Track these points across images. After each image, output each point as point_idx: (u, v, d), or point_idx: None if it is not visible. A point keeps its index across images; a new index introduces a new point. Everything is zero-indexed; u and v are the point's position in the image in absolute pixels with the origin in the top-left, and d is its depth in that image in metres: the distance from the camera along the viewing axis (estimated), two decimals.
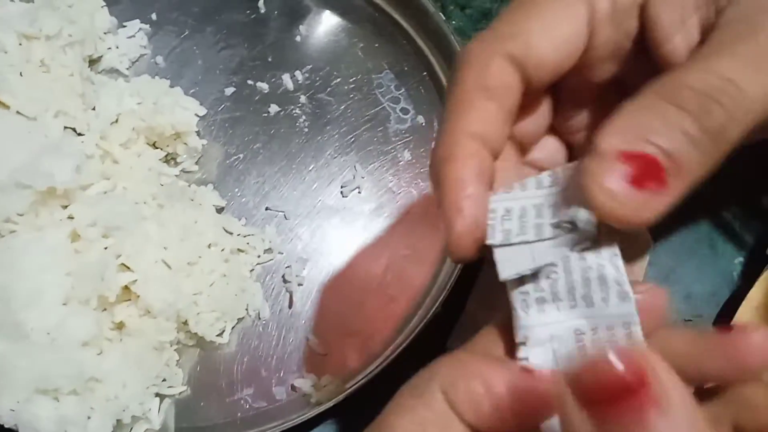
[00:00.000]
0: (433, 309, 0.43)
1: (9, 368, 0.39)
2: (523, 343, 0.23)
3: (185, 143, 0.49)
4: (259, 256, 0.48)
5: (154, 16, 0.55)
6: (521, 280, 0.23)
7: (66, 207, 0.43)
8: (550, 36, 0.25)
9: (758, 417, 0.22)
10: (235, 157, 0.51)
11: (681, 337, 0.23)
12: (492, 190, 0.26)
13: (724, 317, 0.44)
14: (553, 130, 0.32)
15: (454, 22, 0.57)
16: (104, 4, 0.54)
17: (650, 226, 0.45)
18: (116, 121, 0.48)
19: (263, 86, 0.53)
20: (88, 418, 0.40)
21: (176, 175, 0.49)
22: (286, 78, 0.53)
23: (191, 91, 0.53)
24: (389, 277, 0.47)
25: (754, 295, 0.43)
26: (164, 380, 0.44)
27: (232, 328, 0.46)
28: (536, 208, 0.24)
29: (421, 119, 0.52)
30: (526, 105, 0.28)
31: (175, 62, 0.54)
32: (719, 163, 0.22)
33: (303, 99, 0.53)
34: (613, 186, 0.20)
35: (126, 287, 0.42)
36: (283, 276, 0.48)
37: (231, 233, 0.48)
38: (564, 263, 0.23)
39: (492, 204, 0.25)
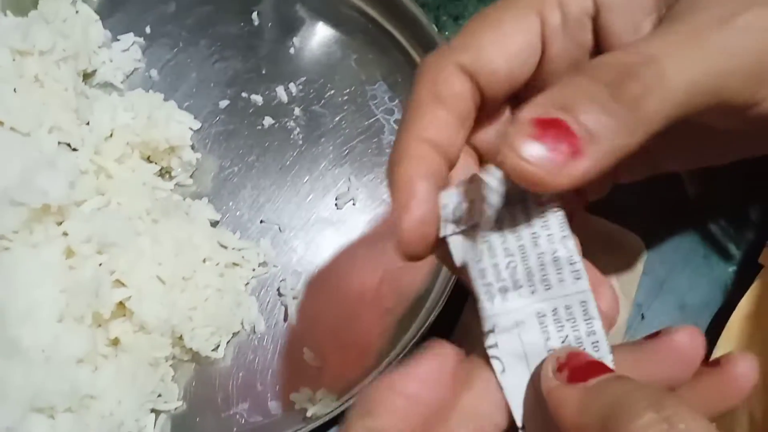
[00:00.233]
0: (429, 321, 0.43)
1: (4, 386, 0.39)
2: (491, 331, 0.24)
3: (180, 157, 0.49)
4: (254, 270, 0.48)
5: (148, 30, 0.55)
6: (483, 273, 0.24)
7: (60, 223, 0.43)
8: (502, 48, 0.26)
9: None
10: (230, 170, 0.51)
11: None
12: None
13: (717, 326, 0.44)
14: None
15: (447, 33, 0.57)
16: (98, 17, 0.54)
17: (643, 235, 0.45)
18: (110, 135, 0.48)
19: (257, 99, 0.53)
20: None
21: (171, 189, 0.49)
22: (280, 90, 0.53)
23: (185, 104, 0.53)
24: (384, 289, 0.47)
25: (744, 304, 0.44)
26: (160, 396, 0.44)
27: (228, 342, 0.46)
28: (485, 196, 0.24)
29: None
30: (486, 116, 0.29)
31: (170, 75, 0.54)
32: (645, 138, 0.23)
33: (297, 111, 0.53)
34: (524, 147, 0.21)
35: (120, 303, 0.42)
36: (278, 289, 0.48)
37: (226, 247, 0.48)
38: (521, 252, 0.24)
39: (444, 199, 0.25)
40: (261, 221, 0.50)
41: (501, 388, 0.24)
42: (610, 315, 0.25)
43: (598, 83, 0.22)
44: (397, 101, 0.53)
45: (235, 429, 0.44)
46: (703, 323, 0.47)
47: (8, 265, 0.41)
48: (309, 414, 0.44)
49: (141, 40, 0.55)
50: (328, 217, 0.50)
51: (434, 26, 0.52)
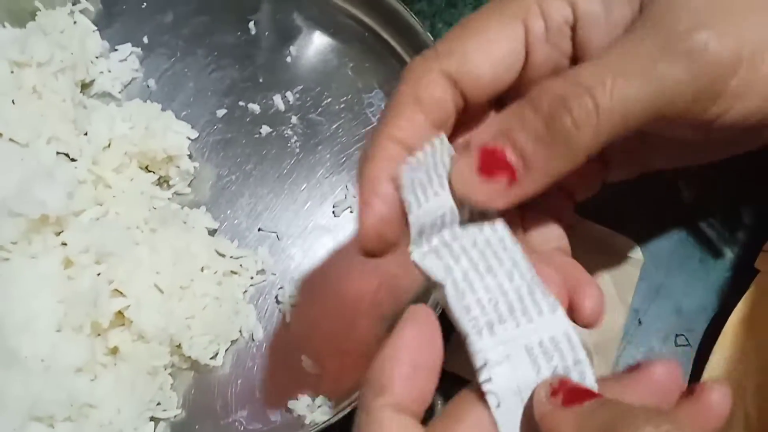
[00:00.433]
0: None
1: (3, 395, 0.39)
2: (484, 366, 0.24)
3: (177, 166, 0.50)
4: (252, 278, 0.48)
5: (145, 40, 0.56)
6: (468, 309, 0.25)
7: (59, 234, 0.43)
8: (486, 54, 0.26)
9: None
10: (228, 179, 0.52)
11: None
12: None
13: (714, 331, 0.45)
14: None
15: None
16: (95, 28, 0.55)
17: (639, 241, 0.45)
18: (108, 145, 0.48)
19: (254, 107, 0.54)
20: None
21: (169, 198, 0.50)
22: (277, 99, 0.54)
23: (183, 113, 0.53)
24: (381, 295, 0.48)
25: (741, 309, 0.44)
26: (159, 404, 0.44)
27: (226, 350, 0.46)
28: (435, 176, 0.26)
29: None
30: (470, 117, 0.29)
31: (167, 85, 0.55)
32: (584, 160, 0.24)
33: (294, 119, 0.53)
34: (463, 172, 0.24)
35: (119, 312, 0.42)
36: (276, 297, 0.48)
37: (224, 255, 0.48)
38: (499, 288, 0.25)
39: (404, 174, 0.26)
40: (259, 229, 0.50)
41: (495, 423, 0.24)
42: (596, 313, 0.26)
43: (536, 114, 0.23)
44: None
45: None
46: (699, 328, 0.47)
47: (7, 276, 0.41)
48: (308, 421, 0.44)
49: (138, 50, 0.55)
50: (326, 225, 0.50)
51: (429, 34, 0.52)
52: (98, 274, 0.43)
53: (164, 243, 0.45)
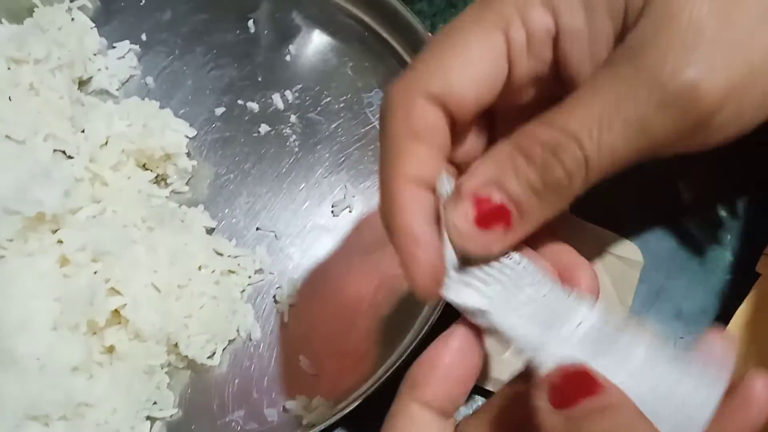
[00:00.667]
0: (425, 329, 0.43)
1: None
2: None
3: (175, 164, 0.49)
4: (249, 277, 0.48)
5: (143, 37, 0.55)
6: (515, 327, 0.25)
7: (55, 232, 0.43)
8: (469, 72, 0.25)
9: None
10: (226, 178, 0.51)
11: None
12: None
13: None
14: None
15: None
16: (93, 25, 0.54)
17: (639, 243, 0.45)
18: (106, 143, 0.48)
19: (253, 106, 0.53)
20: None
21: (166, 197, 0.49)
22: (276, 98, 0.54)
23: (181, 111, 0.53)
24: (380, 296, 0.47)
25: (742, 312, 0.44)
26: (155, 403, 0.44)
27: (223, 349, 0.46)
28: None
29: None
30: (459, 133, 0.29)
31: (165, 83, 0.54)
32: (566, 207, 0.25)
33: (293, 118, 0.53)
34: (461, 225, 0.24)
35: (116, 311, 0.42)
36: (274, 296, 0.48)
37: (221, 254, 0.48)
38: (533, 302, 0.26)
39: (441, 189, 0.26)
40: (257, 228, 0.50)
41: None
42: (591, 292, 0.27)
43: (531, 166, 0.23)
44: None
45: None
46: (700, 331, 0.47)
47: (3, 274, 0.41)
48: (305, 422, 0.43)
49: (137, 47, 0.55)
50: (324, 225, 0.50)
51: (430, 34, 0.52)
52: (95, 273, 0.42)
53: (161, 242, 0.45)
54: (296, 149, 0.52)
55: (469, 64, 0.25)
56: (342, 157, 0.52)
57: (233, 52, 0.55)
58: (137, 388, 0.42)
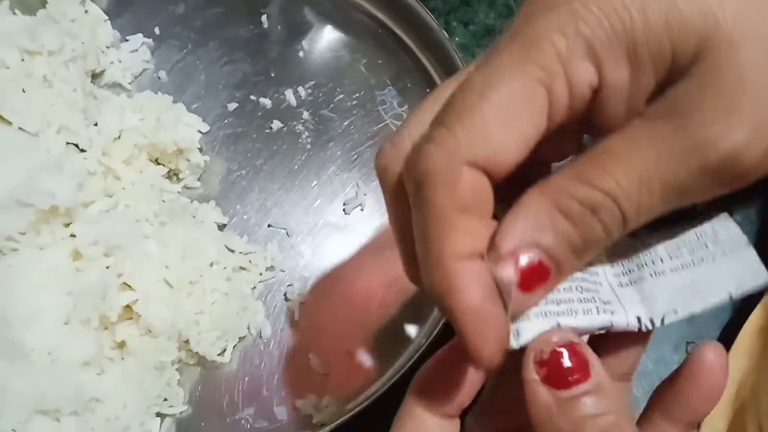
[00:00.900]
0: (437, 329, 0.43)
1: (9, 388, 0.38)
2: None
3: (188, 159, 0.49)
4: (261, 274, 0.48)
5: (157, 30, 0.55)
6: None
7: (68, 225, 0.42)
8: (513, 135, 0.24)
9: None
10: (238, 173, 0.51)
11: None
12: None
13: (726, 340, 0.44)
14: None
15: (457, 39, 0.57)
16: (107, 18, 0.54)
17: None
18: (119, 137, 0.48)
19: (266, 102, 0.53)
20: None
21: (178, 192, 0.49)
22: (289, 94, 0.53)
23: (194, 106, 0.52)
24: (391, 295, 0.47)
25: (755, 318, 0.43)
26: (165, 399, 0.44)
27: (234, 346, 0.46)
28: None
29: None
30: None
31: (178, 77, 0.54)
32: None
33: (306, 115, 0.53)
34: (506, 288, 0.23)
35: (127, 306, 0.42)
36: (284, 294, 0.48)
37: (233, 251, 0.47)
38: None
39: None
40: (268, 225, 0.50)
41: None
42: None
43: (570, 225, 0.23)
44: (406, 106, 0.53)
45: None
46: (711, 335, 0.47)
47: (15, 267, 0.40)
48: (315, 421, 0.43)
49: (150, 41, 0.55)
50: (336, 222, 0.50)
51: (444, 32, 0.52)
52: (107, 267, 0.42)
53: (173, 237, 0.45)
54: (308, 146, 0.52)
55: (513, 126, 0.23)
56: (354, 154, 0.52)
57: (246, 47, 0.55)
58: (148, 384, 0.42)
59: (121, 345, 0.42)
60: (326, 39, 0.56)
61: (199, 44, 0.55)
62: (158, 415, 0.43)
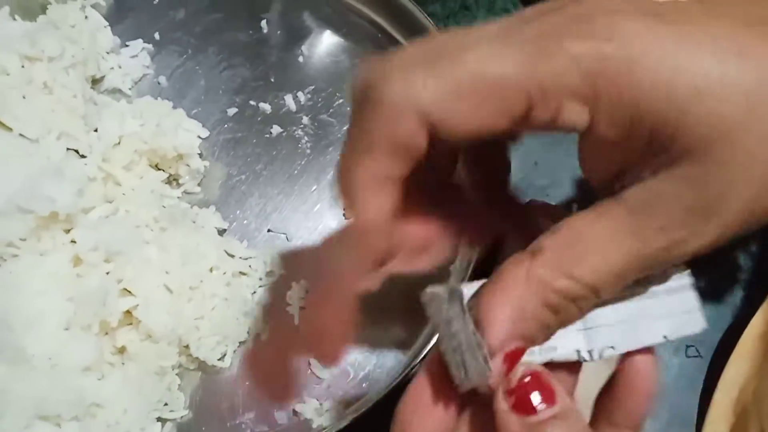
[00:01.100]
0: (437, 333, 0.43)
1: (10, 393, 0.39)
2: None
3: (188, 165, 0.49)
4: (260, 279, 0.48)
5: (157, 36, 0.55)
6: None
7: (68, 231, 0.43)
8: (474, 112, 0.24)
9: None
10: (237, 178, 0.51)
11: None
12: None
13: (726, 344, 0.44)
14: None
15: None
16: (107, 23, 0.54)
17: None
18: (119, 143, 0.48)
19: (265, 107, 0.53)
20: None
21: (178, 197, 0.49)
22: (289, 99, 0.53)
23: (194, 111, 0.53)
24: (392, 299, 0.47)
25: (757, 322, 0.43)
26: (166, 404, 0.44)
27: (234, 351, 0.46)
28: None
29: None
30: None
31: (178, 82, 0.54)
32: None
33: (305, 120, 0.53)
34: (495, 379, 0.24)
35: (127, 312, 0.42)
36: (284, 299, 0.48)
37: (233, 256, 0.48)
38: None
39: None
40: (268, 230, 0.50)
41: None
42: None
43: (551, 315, 0.24)
44: None
45: None
46: (711, 339, 0.47)
47: (16, 273, 0.41)
48: (315, 425, 0.43)
49: (150, 46, 0.55)
50: (335, 227, 0.50)
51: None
52: (107, 273, 0.42)
53: (173, 242, 0.45)
54: (308, 151, 0.52)
55: (480, 106, 0.23)
56: None
57: (246, 52, 0.55)
58: (148, 389, 0.42)
59: (122, 350, 0.43)
60: (325, 44, 0.56)
61: (198, 49, 0.55)
62: (159, 419, 0.43)
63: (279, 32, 0.56)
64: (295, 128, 0.53)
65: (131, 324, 0.43)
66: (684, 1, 0.23)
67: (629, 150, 0.23)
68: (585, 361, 0.26)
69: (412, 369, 0.42)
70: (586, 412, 0.34)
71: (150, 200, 0.46)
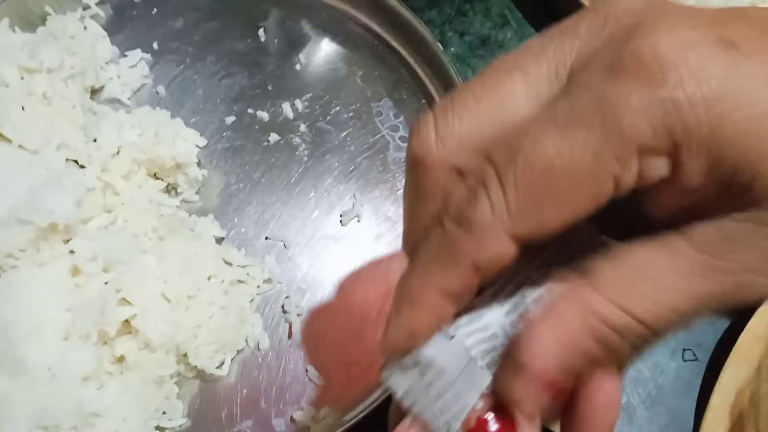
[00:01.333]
0: None
1: (9, 403, 0.39)
2: None
3: (186, 173, 0.50)
4: (258, 287, 0.48)
5: (155, 46, 0.56)
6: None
7: (67, 241, 0.43)
8: (560, 214, 0.23)
9: None
10: (236, 186, 0.52)
11: None
12: None
13: (723, 348, 0.44)
14: None
15: (452, 49, 0.57)
16: (105, 34, 0.55)
17: None
18: (117, 153, 0.48)
19: (263, 115, 0.54)
20: None
21: (177, 206, 0.50)
22: (286, 107, 0.54)
23: (192, 120, 0.53)
24: (389, 306, 0.47)
25: (755, 325, 0.43)
26: (164, 413, 0.44)
27: (232, 359, 0.46)
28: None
29: None
30: None
31: (176, 91, 0.55)
32: None
33: (303, 128, 0.53)
34: (530, 406, 0.23)
35: (126, 321, 0.42)
36: (282, 306, 0.48)
37: (230, 264, 0.48)
38: None
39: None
40: (266, 238, 0.50)
41: None
42: None
43: (598, 344, 0.23)
44: (402, 118, 0.54)
45: None
46: (707, 342, 0.47)
47: (15, 283, 0.41)
48: None
49: (148, 56, 0.55)
50: (333, 234, 0.50)
51: (439, 45, 0.52)
52: (106, 283, 0.43)
53: (172, 251, 0.45)
54: (305, 158, 0.52)
55: (571, 216, 0.22)
56: (351, 166, 0.52)
57: (243, 61, 0.56)
58: (147, 398, 0.42)
59: (120, 359, 0.43)
60: (323, 52, 0.56)
61: (196, 59, 0.56)
62: (157, 428, 0.44)
63: (276, 41, 0.57)
64: (292, 136, 0.53)
65: (130, 333, 0.43)
66: (751, 16, 0.21)
67: (706, 190, 0.21)
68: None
69: None
70: None
71: (148, 209, 0.47)
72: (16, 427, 0.39)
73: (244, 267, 0.48)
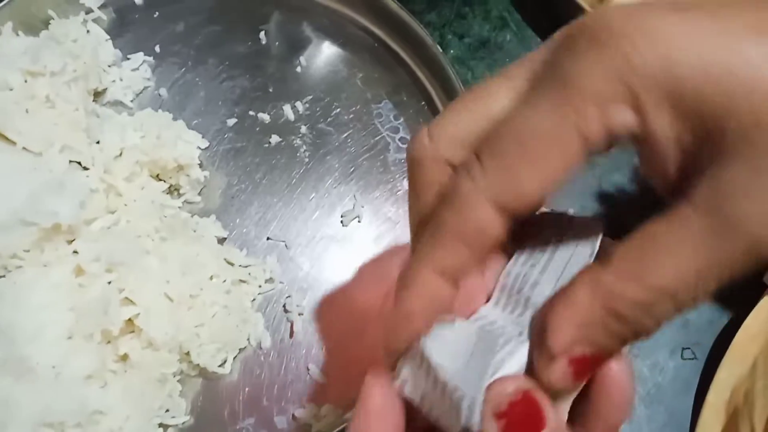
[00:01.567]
0: None
1: (14, 403, 0.39)
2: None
3: (188, 175, 0.50)
4: (260, 287, 0.49)
5: (157, 49, 0.56)
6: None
7: (71, 242, 0.44)
8: (543, 182, 0.24)
9: None
10: (237, 188, 0.52)
11: None
12: None
13: (721, 347, 0.45)
14: None
15: (452, 52, 0.58)
16: (108, 37, 0.55)
17: None
18: (120, 155, 0.49)
19: (264, 117, 0.54)
20: None
21: (179, 207, 0.50)
22: (287, 108, 0.54)
23: (194, 122, 0.54)
24: (389, 304, 0.48)
25: (751, 323, 0.44)
26: (167, 411, 0.44)
27: (234, 358, 0.47)
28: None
29: None
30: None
31: (178, 94, 0.55)
32: None
33: (304, 129, 0.54)
34: (559, 381, 0.24)
35: (129, 320, 0.43)
36: (284, 306, 0.48)
37: (232, 264, 0.48)
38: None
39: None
40: (267, 238, 0.51)
41: None
42: None
43: (623, 325, 0.23)
44: (402, 119, 0.54)
45: None
46: (706, 341, 0.47)
47: (19, 284, 0.42)
48: (313, 430, 0.44)
49: (150, 59, 0.56)
50: (334, 234, 0.51)
51: (438, 47, 0.53)
52: (109, 283, 0.43)
53: (174, 252, 0.46)
54: (306, 160, 0.53)
55: (543, 173, 0.23)
56: (352, 167, 0.53)
57: (245, 64, 0.56)
58: (150, 396, 0.43)
59: (124, 358, 0.43)
60: (323, 54, 0.57)
61: (198, 61, 0.56)
62: (161, 426, 0.44)
63: (277, 43, 0.57)
64: (293, 137, 0.54)
65: (133, 332, 0.43)
66: None
67: (686, 146, 0.22)
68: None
69: None
70: None
71: (151, 211, 0.47)
72: (21, 425, 0.39)
73: (246, 267, 0.49)
